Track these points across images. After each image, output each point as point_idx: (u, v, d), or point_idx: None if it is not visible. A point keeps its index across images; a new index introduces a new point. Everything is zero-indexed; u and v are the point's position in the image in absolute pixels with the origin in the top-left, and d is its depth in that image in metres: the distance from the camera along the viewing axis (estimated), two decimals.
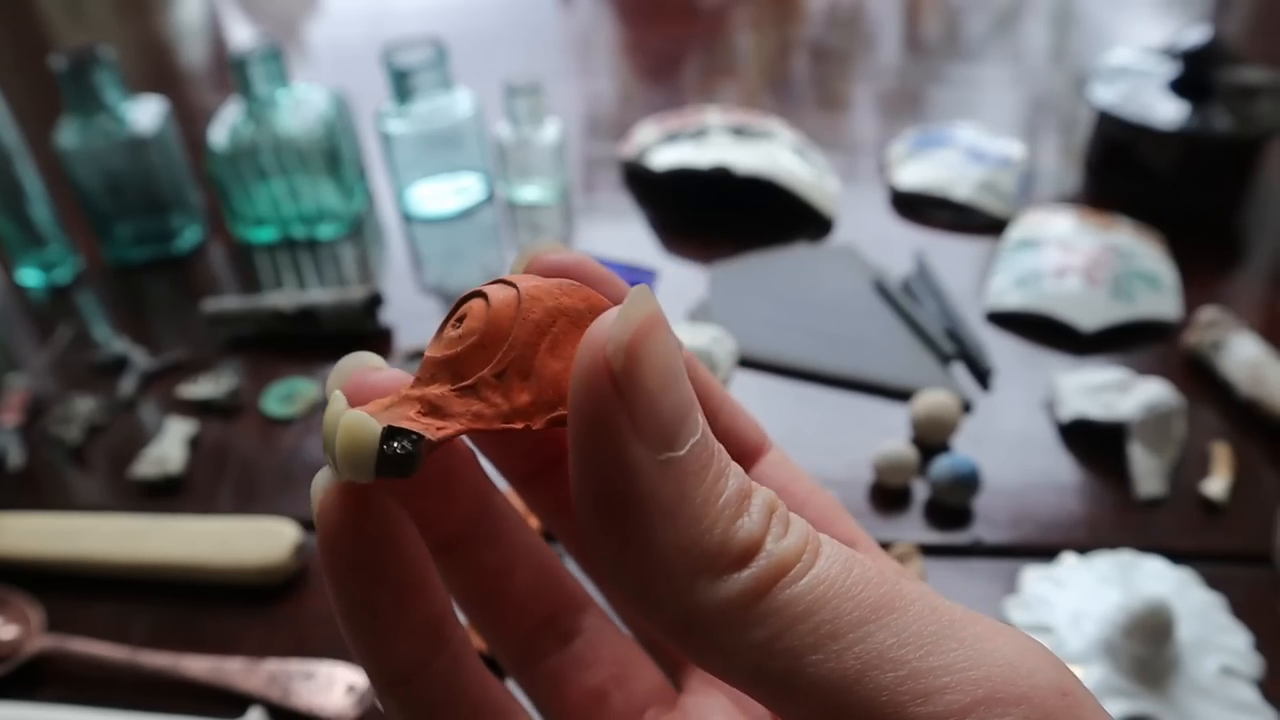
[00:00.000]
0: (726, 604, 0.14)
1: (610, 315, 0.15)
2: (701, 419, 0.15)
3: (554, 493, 0.21)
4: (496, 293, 0.18)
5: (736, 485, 0.15)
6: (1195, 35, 0.77)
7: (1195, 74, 0.76)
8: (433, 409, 0.17)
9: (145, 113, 0.77)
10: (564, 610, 0.21)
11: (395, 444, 0.16)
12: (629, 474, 0.14)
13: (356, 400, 0.17)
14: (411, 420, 0.17)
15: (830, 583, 0.14)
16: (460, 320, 0.18)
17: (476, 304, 0.18)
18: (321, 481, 0.17)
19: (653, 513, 0.14)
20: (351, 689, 0.47)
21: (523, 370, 0.17)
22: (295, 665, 0.48)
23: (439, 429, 0.17)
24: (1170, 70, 0.79)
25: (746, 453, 0.21)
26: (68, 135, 0.75)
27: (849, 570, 0.15)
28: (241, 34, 1.33)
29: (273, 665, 0.48)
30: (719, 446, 0.16)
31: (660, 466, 0.15)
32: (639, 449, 0.14)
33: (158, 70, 1.22)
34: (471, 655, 0.19)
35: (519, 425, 0.17)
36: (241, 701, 0.47)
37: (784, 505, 0.16)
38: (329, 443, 0.17)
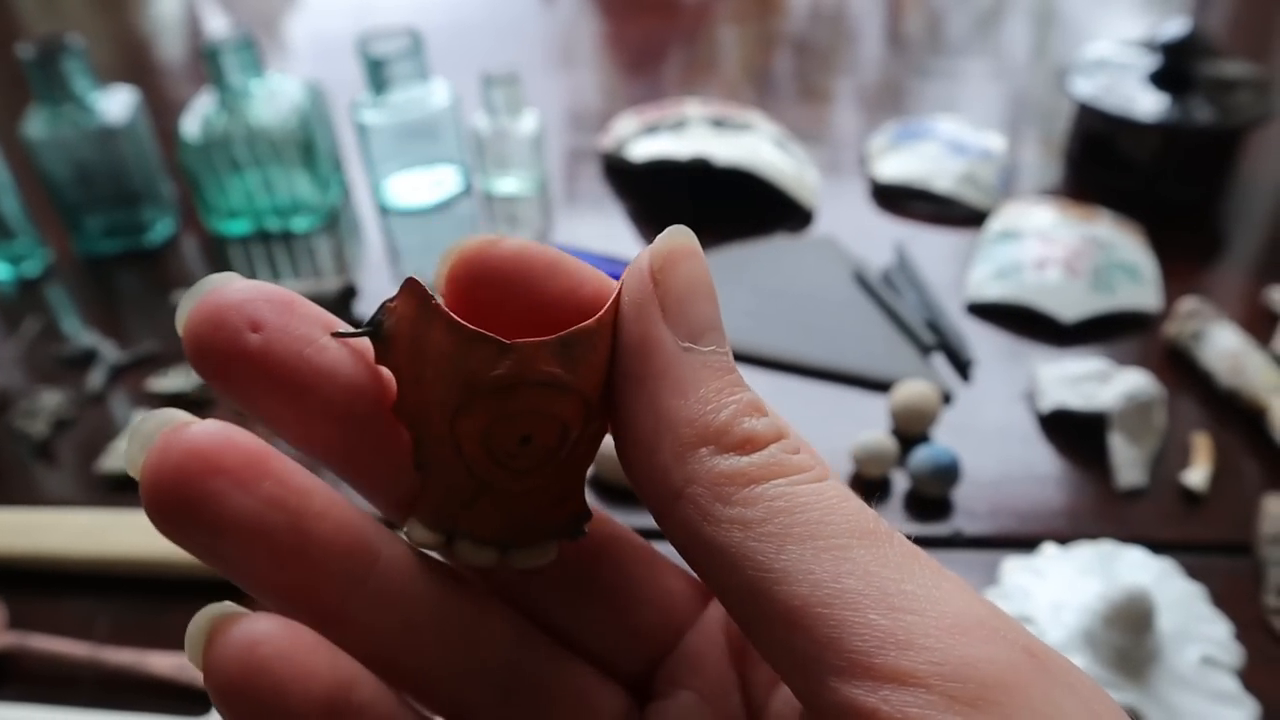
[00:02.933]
0: (724, 476, 0.16)
1: (659, 237, 0.18)
2: (729, 355, 0.17)
3: None
4: (555, 405, 0.17)
5: (749, 399, 0.17)
6: (1174, 27, 0.77)
7: (1175, 66, 0.76)
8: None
9: (116, 103, 0.76)
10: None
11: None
12: (653, 347, 0.17)
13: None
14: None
15: (827, 499, 0.16)
16: (528, 440, 0.17)
17: (540, 424, 0.17)
18: (202, 627, 0.16)
19: (669, 386, 0.17)
20: None
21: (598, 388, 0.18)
22: None
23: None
24: (1150, 63, 0.78)
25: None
26: (35, 125, 0.73)
27: (847, 499, 0.16)
28: (219, 27, 1.31)
29: None
30: (744, 381, 0.17)
31: (682, 351, 0.17)
32: (664, 330, 0.17)
33: (133, 63, 1.21)
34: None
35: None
36: (207, 699, 0.46)
37: (805, 443, 0.17)
38: None
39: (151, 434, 0.15)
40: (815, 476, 0.16)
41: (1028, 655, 0.14)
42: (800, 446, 0.17)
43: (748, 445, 0.16)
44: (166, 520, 0.15)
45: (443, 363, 0.17)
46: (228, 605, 0.16)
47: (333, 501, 0.16)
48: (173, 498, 0.15)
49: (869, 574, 0.15)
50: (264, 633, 0.15)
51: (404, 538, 0.18)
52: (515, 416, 0.17)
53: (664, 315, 0.17)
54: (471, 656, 0.18)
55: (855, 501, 0.16)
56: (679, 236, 0.18)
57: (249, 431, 0.16)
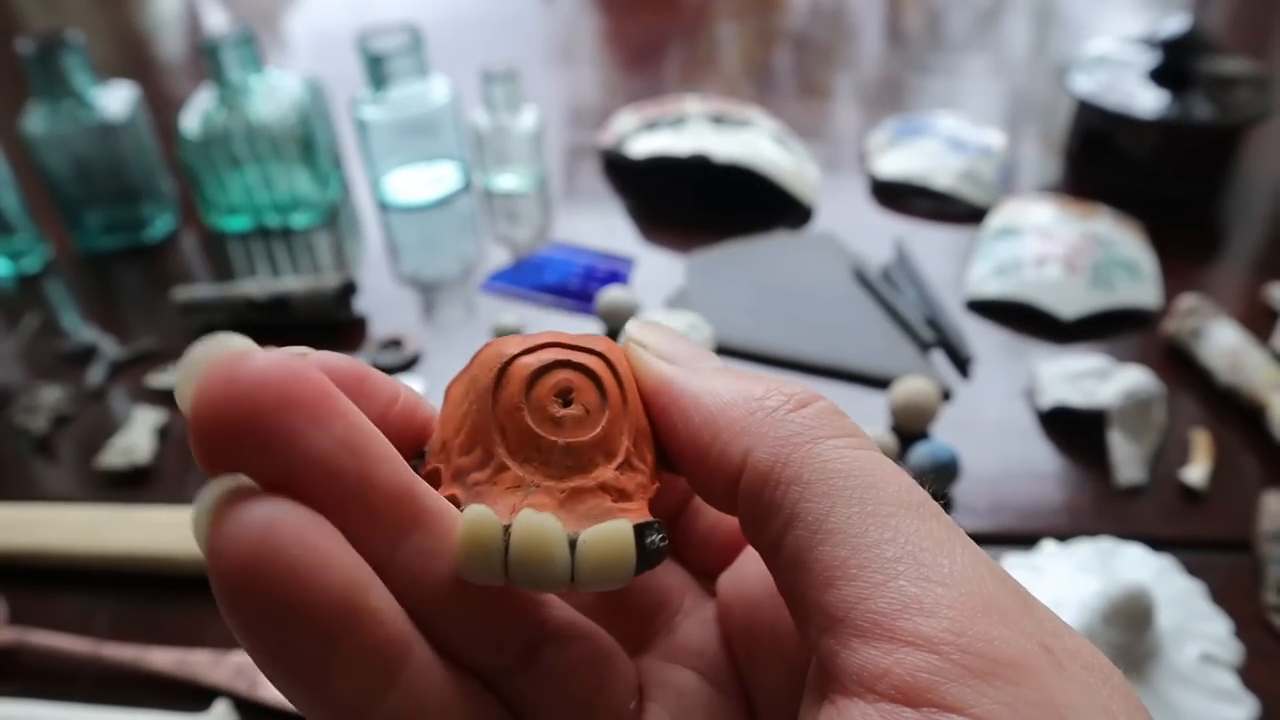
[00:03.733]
0: (781, 440, 0.17)
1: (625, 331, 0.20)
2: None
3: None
4: (589, 362, 0.18)
5: (773, 377, 0.19)
6: (1174, 24, 0.77)
7: (1174, 63, 0.76)
8: (620, 494, 0.18)
9: (115, 99, 0.76)
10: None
11: (652, 539, 0.17)
12: (669, 378, 0.19)
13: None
14: (625, 510, 0.17)
15: (880, 467, 0.16)
16: (566, 400, 0.18)
17: (578, 379, 0.18)
18: (211, 502, 0.14)
19: (703, 392, 0.18)
20: None
21: (641, 431, 0.19)
22: None
23: (647, 512, 0.18)
24: (1149, 59, 0.78)
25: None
26: (35, 121, 0.73)
27: (899, 472, 0.16)
28: (219, 23, 1.31)
29: (240, 657, 0.47)
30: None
31: (696, 371, 0.19)
32: (670, 367, 0.19)
33: (133, 59, 1.20)
34: (429, 681, 0.16)
35: (659, 483, 0.19)
36: (207, 694, 0.46)
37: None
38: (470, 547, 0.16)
39: (206, 362, 0.14)
40: (868, 444, 0.17)
41: (1044, 649, 0.14)
42: (845, 414, 0.18)
43: (791, 400, 0.17)
44: (225, 452, 0.14)
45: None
46: (238, 478, 0.14)
47: (389, 449, 0.16)
48: (238, 429, 0.14)
49: (909, 544, 0.15)
50: (283, 513, 0.14)
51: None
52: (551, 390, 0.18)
53: (659, 356, 0.19)
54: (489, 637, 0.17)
55: (906, 476, 0.16)
56: (641, 327, 0.20)
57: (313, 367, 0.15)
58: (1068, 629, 0.15)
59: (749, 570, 0.21)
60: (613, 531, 0.16)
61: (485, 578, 0.16)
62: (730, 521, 0.21)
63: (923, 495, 0.16)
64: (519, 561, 0.16)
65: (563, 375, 0.18)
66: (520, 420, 0.17)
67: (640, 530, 0.17)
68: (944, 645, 0.14)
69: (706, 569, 0.22)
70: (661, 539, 0.17)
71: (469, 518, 0.16)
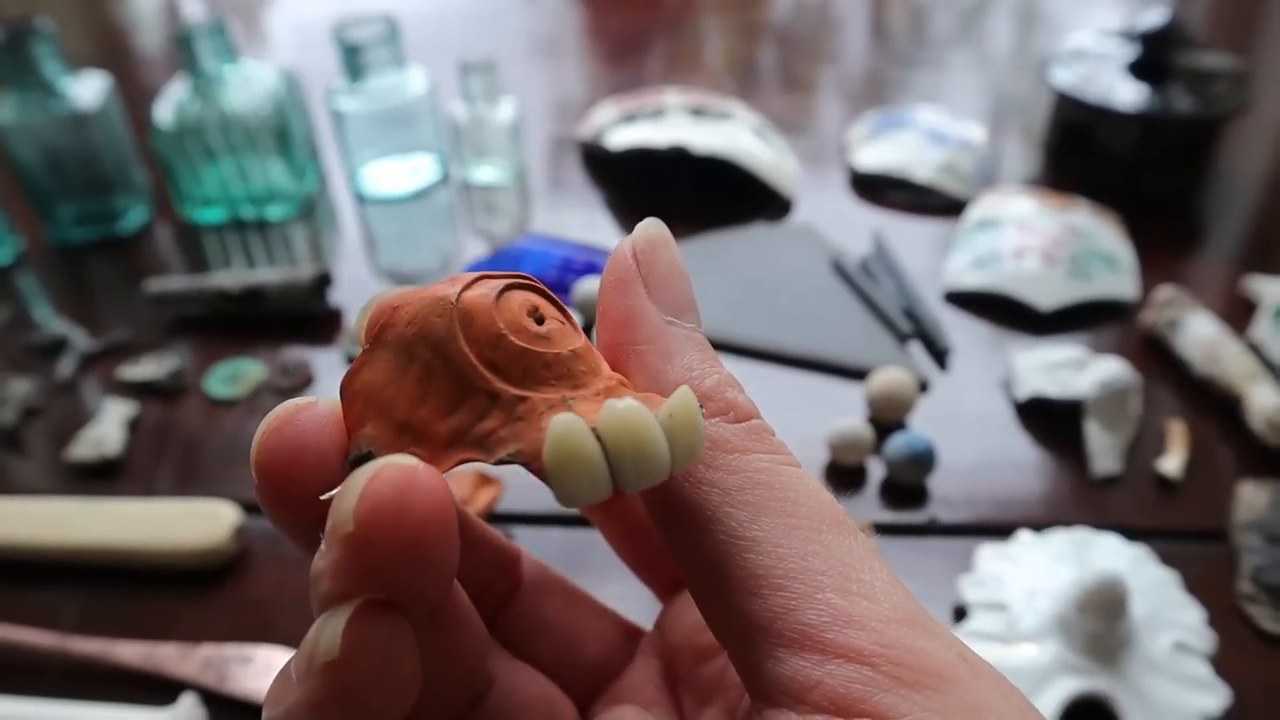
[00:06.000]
0: (709, 440, 0.16)
1: (639, 226, 0.19)
2: (704, 336, 0.18)
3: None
4: (530, 282, 0.17)
5: (729, 374, 0.18)
6: (1153, 18, 0.77)
7: (1154, 56, 0.76)
8: (629, 387, 0.17)
9: (87, 88, 0.75)
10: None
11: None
12: (639, 318, 0.18)
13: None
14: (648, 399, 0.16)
15: (805, 483, 0.16)
16: (539, 318, 0.17)
17: (535, 297, 0.17)
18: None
19: (655, 352, 0.17)
20: None
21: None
22: (232, 650, 0.46)
23: None
24: (1129, 53, 0.78)
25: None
26: (4, 110, 0.72)
27: (821, 489, 0.16)
28: (198, 15, 1.30)
29: (208, 650, 0.46)
30: (720, 361, 0.18)
31: (666, 324, 0.18)
32: (649, 303, 0.18)
33: (111, 51, 1.19)
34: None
35: None
36: (175, 687, 0.45)
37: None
38: (616, 449, 0.15)
39: (367, 483, 0.14)
40: (793, 461, 0.17)
41: (961, 659, 0.15)
42: (774, 432, 0.17)
43: (730, 414, 0.17)
44: (386, 571, 0.14)
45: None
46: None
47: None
48: (401, 556, 0.14)
49: (833, 558, 0.15)
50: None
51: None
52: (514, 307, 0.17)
53: (648, 292, 0.18)
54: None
55: (828, 493, 0.17)
56: (657, 226, 0.19)
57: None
58: (966, 644, 0.16)
59: (688, 611, 0.21)
60: (684, 401, 0.15)
61: (590, 493, 0.14)
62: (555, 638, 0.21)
63: (844, 514, 0.16)
64: (629, 454, 0.15)
65: (521, 295, 0.17)
66: (511, 346, 0.16)
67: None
68: (875, 657, 0.14)
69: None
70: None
71: (558, 431, 0.14)
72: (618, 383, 0.17)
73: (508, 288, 0.17)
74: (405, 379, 0.16)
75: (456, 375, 0.16)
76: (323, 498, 0.15)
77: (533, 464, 0.15)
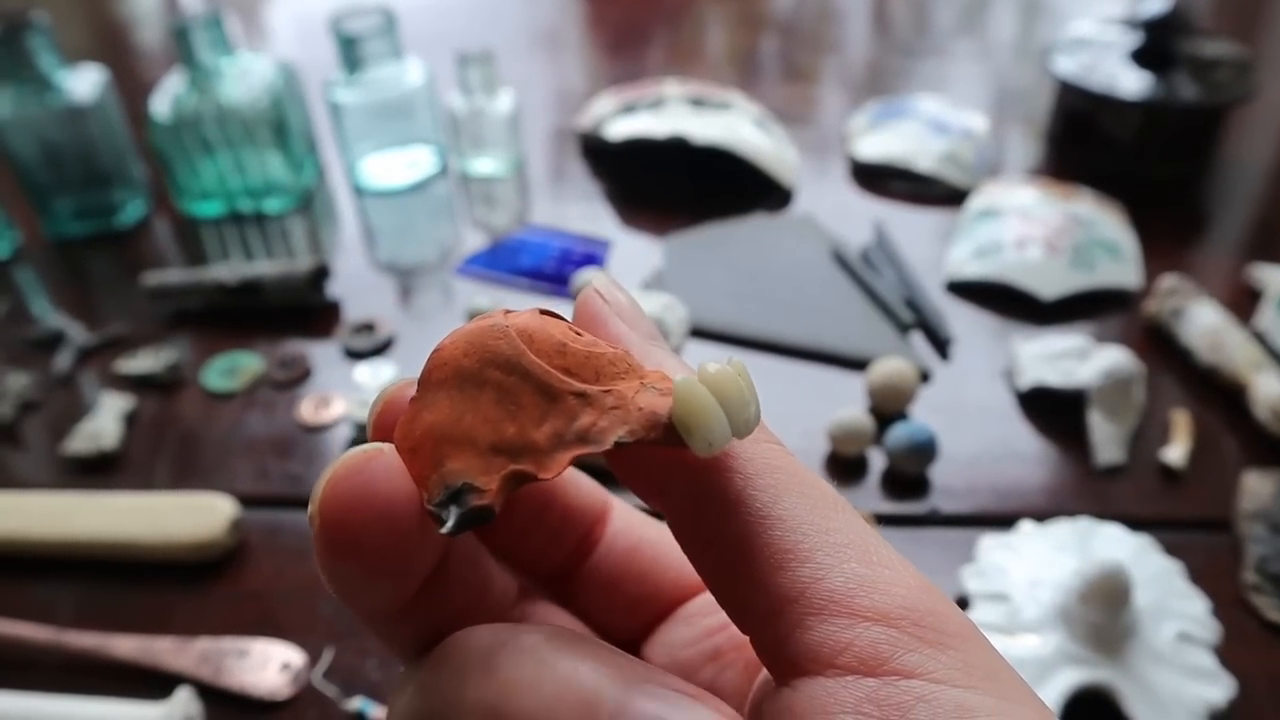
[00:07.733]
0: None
1: (593, 279, 0.20)
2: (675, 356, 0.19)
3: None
4: (550, 310, 0.18)
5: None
6: (1156, 5, 0.76)
7: (1156, 44, 0.76)
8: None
9: (83, 82, 0.74)
10: None
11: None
12: (626, 343, 0.18)
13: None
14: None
15: (810, 471, 0.17)
16: (578, 333, 0.18)
17: (564, 322, 0.18)
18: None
19: (650, 366, 0.18)
20: (286, 666, 0.45)
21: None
22: (228, 643, 0.46)
23: None
24: (1131, 41, 0.78)
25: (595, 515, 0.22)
26: (1, 105, 0.72)
27: (822, 478, 0.17)
28: (195, 8, 1.30)
29: (204, 644, 0.46)
30: None
31: (649, 344, 0.19)
32: (628, 329, 0.19)
33: (110, 45, 1.19)
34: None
35: None
36: (170, 681, 0.45)
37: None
38: (701, 411, 0.16)
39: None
40: (794, 455, 0.18)
41: (975, 625, 0.16)
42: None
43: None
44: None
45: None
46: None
47: None
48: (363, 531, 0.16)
49: (853, 531, 0.16)
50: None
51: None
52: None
53: (621, 318, 0.19)
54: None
55: (828, 486, 0.18)
56: (605, 274, 0.21)
57: None
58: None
59: (678, 634, 0.22)
60: (733, 368, 0.17)
61: (721, 438, 0.16)
62: (632, 585, 0.22)
63: (845, 499, 0.18)
64: (733, 403, 0.16)
65: (552, 320, 0.18)
66: (576, 352, 0.17)
67: None
68: (900, 619, 0.15)
69: (603, 623, 0.23)
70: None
71: (684, 390, 0.16)
72: (660, 375, 0.18)
73: (540, 312, 0.18)
74: (480, 406, 0.16)
75: (538, 386, 0.16)
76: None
77: (649, 436, 0.16)
